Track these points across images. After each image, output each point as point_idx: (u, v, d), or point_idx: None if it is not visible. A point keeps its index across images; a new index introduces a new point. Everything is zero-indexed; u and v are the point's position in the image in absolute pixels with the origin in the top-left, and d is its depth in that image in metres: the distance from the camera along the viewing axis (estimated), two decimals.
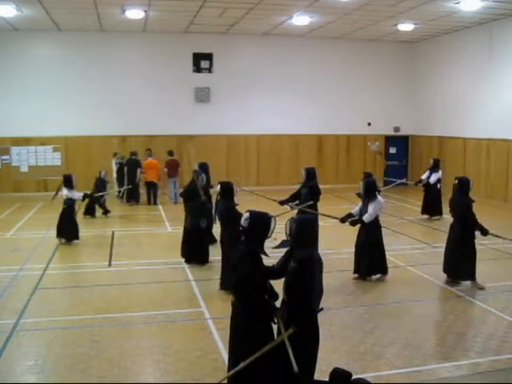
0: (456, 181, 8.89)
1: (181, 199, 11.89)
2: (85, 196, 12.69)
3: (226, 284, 8.14)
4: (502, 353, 6.32)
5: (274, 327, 4.94)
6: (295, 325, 4.67)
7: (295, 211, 10.13)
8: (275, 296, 4.96)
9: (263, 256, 4.93)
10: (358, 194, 9.49)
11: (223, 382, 4.97)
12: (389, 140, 22.89)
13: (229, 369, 5.09)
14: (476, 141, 18.62)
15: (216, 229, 11.93)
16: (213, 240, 11.87)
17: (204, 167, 12.32)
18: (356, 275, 9.31)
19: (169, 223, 14.39)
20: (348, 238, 12.57)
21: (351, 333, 6.95)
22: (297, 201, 10.51)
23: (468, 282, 8.75)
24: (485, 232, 8.54)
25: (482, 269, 9.01)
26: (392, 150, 22.92)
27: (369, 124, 22.39)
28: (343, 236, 12.97)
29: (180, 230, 10.98)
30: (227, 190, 8.64)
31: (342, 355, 6.28)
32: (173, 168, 18.02)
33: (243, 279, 4.82)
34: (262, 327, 4.86)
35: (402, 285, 9.05)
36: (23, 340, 6.77)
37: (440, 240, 12.38)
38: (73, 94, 19.42)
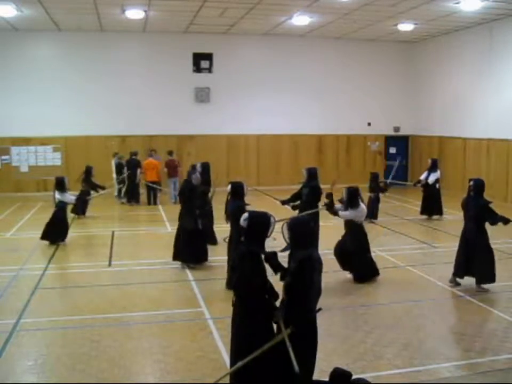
0: (471, 183, 8.75)
1: None
2: (77, 199, 12.68)
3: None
4: (502, 353, 6.32)
5: (275, 326, 4.94)
6: (293, 325, 4.67)
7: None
8: (275, 295, 4.97)
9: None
10: (340, 200, 9.44)
11: (223, 381, 4.97)
12: (389, 140, 22.89)
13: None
14: (476, 141, 18.63)
15: (216, 229, 12.04)
16: (214, 241, 11.88)
17: (205, 167, 12.32)
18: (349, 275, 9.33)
19: (169, 223, 14.37)
20: None
21: (351, 333, 6.95)
22: (298, 202, 10.51)
23: (468, 283, 8.73)
24: (507, 221, 8.44)
25: None
26: (392, 150, 22.92)
27: (369, 124, 22.40)
28: None
29: None
30: (238, 190, 8.65)
31: (342, 355, 6.27)
32: (172, 168, 18.02)
33: (243, 279, 4.82)
34: (263, 327, 4.86)
35: (402, 285, 9.04)
36: (23, 340, 6.77)
37: (440, 240, 12.41)
38: (73, 94, 19.44)
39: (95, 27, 18.74)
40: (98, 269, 10.17)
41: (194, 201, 10.20)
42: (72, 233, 12.62)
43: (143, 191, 18.01)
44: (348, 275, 9.32)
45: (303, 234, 4.94)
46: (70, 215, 13.02)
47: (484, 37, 17.99)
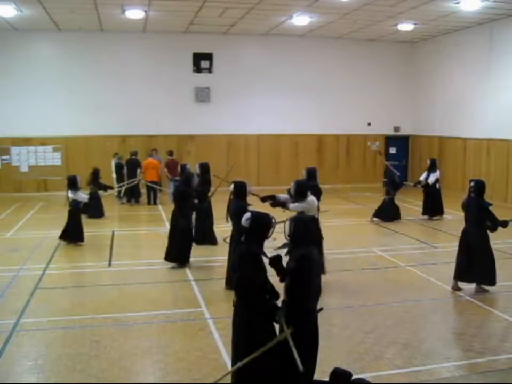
0: (472, 184, 8.63)
1: None
2: (90, 198, 12.68)
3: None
4: (502, 353, 6.32)
5: (276, 326, 4.94)
6: (293, 326, 4.68)
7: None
8: (276, 295, 4.97)
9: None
10: (288, 191, 9.18)
11: (224, 381, 4.97)
12: (389, 140, 22.90)
13: None
14: (476, 141, 18.63)
15: (216, 229, 12.04)
16: (214, 241, 11.88)
17: (204, 167, 12.31)
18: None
19: (169, 223, 14.35)
20: (348, 238, 12.64)
21: (351, 333, 6.95)
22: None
23: (468, 283, 8.72)
24: (506, 224, 8.40)
25: None
26: (392, 150, 22.93)
27: (369, 124, 22.40)
28: (344, 235, 13.01)
29: None
30: (240, 190, 8.64)
31: (342, 355, 6.27)
32: (173, 168, 18.01)
33: (244, 279, 4.82)
34: (264, 327, 4.86)
35: (402, 285, 9.04)
36: (23, 340, 6.77)
37: (440, 240, 12.42)
38: (73, 94, 19.43)
39: (95, 27, 18.74)
40: (98, 269, 10.17)
41: (185, 203, 10.24)
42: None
43: (143, 191, 18.01)
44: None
45: (304, 233, 4.95)
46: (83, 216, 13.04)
47: (483, 37, 17.99)
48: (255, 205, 8.19)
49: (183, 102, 20.49)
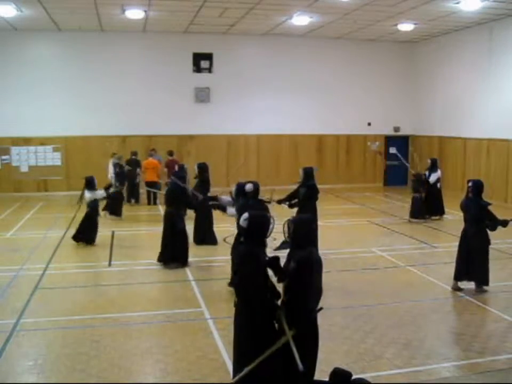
0: (470, 184, 8.59)
1: None
2: (106, 190, 12.53)
3: None
4: (502, 353, 6.32)
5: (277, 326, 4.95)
6: (294, 327, 4.67)
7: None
8: (277, 295, 4.96)
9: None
10: (230, 193, 9.17)
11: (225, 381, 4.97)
12: (389, 140, 22.90)
13: (233, 369, 5.09)
14: (476, 141, 18.62)
15: (216, 229, 12.04)
16: (214, 241, 11.88)
17: (202, 167, 12.31)
18: None
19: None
20: (348, 238, 12.64)
21: (351, 333, 6.95)
22: (296, 200, 10.50)
23: (468, 283, 8.72)
24: (506, 223, 8.39)
25: None
26: (392, 150, 22.90)
27: (369, 124, 22.39)
28: (343, 235, 13.02)
29: None
30: (242, 190, 8.65)
31: (342, 355, 6.27)
32: (173, 168, 17.97)
33: (244, 279, 4.82)
34: (265, 326, 4.86)
35: (402, 285, 9.04)
36: (23, 340, 6.77)
37: (440, 240, 12.42)
38: (73, 94, 19.42)
39: (95, 27, 18.73)
40: (98, 269, 10.18)
41: (179, 204, 10.26)
42: (72, 233, 12.60)
43: (143, 191, 18.01)
44: None
45: (304, 233, 4.95)
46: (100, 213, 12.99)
47: (483, 37, 17.99)
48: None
49: (183, 102, 20.48)
